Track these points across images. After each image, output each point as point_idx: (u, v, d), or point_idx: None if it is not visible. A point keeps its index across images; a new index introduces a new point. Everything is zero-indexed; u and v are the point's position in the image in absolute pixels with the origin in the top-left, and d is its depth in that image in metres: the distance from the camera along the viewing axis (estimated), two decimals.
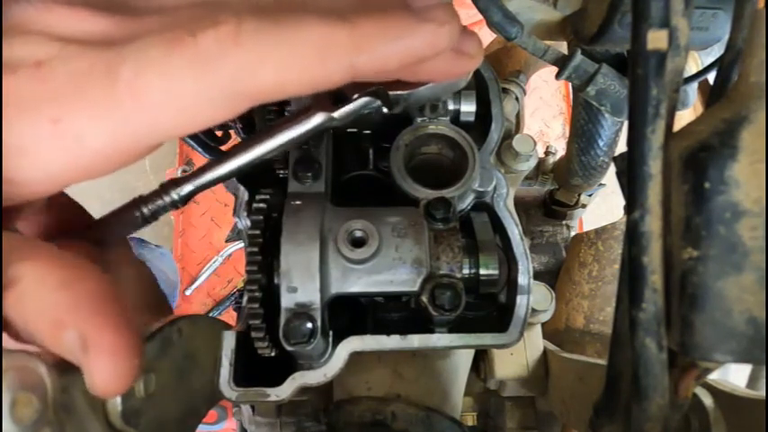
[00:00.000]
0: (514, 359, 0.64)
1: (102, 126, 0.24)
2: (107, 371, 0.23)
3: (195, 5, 0.26)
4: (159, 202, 0.32)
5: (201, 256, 1.99)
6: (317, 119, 0.32)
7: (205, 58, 0.23)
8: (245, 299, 0.41)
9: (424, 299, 0.40)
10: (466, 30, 0.30)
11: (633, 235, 0.25)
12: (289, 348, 0.38)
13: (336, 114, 0.32)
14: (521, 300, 0.44)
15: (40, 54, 0.24)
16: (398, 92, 0.35)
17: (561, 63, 0.53)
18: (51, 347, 0.24)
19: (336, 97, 0.33)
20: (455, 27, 0.27)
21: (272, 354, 0.41)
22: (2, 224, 0.27)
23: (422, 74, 0.31)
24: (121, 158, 0.26)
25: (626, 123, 0.28)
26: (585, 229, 0.96)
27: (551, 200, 1.03)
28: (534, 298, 0.57)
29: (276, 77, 0.24)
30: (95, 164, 0.25)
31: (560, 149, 1.04)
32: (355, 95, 0.32)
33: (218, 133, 0.75)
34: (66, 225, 0.32)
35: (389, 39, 0.25)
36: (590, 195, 1.02)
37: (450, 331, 0.44)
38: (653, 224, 0.25)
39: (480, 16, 0.48)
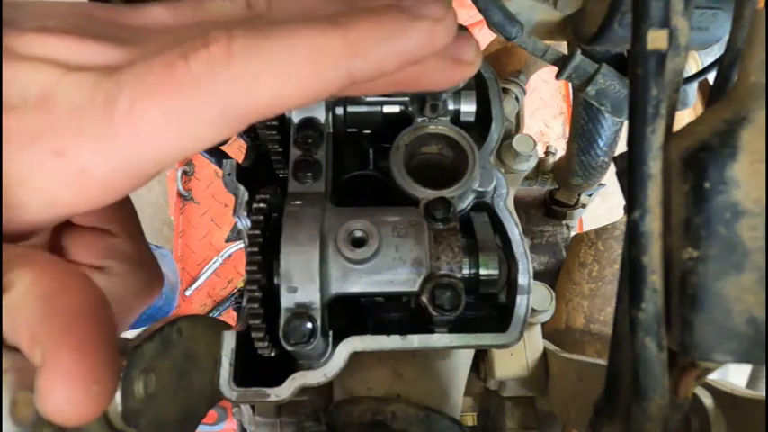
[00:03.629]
0: (514, 359, 0.64)
1: (103, 157, 0.24)
2: (58, 395, 0.21)
3: (189, 25, 0.26)
4: None
5: (201, 257, 2.00)
6: None
7: (198, 81, 0.23)
8: (245, 299, 0.40)
9: (424, 299, 0.40)
10: (463, 34, 0.29)
11: (633, 235, 0.25)
12: (289, 348, 0.38)
13: None
14: (521, 300, 0.44)
15: (44, 83, 0.24)
16: None
17: (561, 63, 0.53)
18: (30, 360, 0.22)
19: None
20: (451, 22, 0.26)
21: (272, 354, 0.41)
22: (2, 231, 0.27)
23: (420, 85, 0.30)
24: (124, 186, 0.26)
25: (626, 123, 0.28)
26: (585, 229, 0.96)
27: (551, 200, 1.03)
28: (534, 298, 0.57)
29: (272, 93, 0.24)
30: (99, 193, 0.25)
31: (560, 149, 1.04)
32: None
33: None
34: None
35: (384, 40, 0.25)
36: (590, 195, 1.02)
37: (451, 331, 0.44)
38: (653, 224, 0.25)
39: (480, 16, 0.48)
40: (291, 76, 0.24)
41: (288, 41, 0.24)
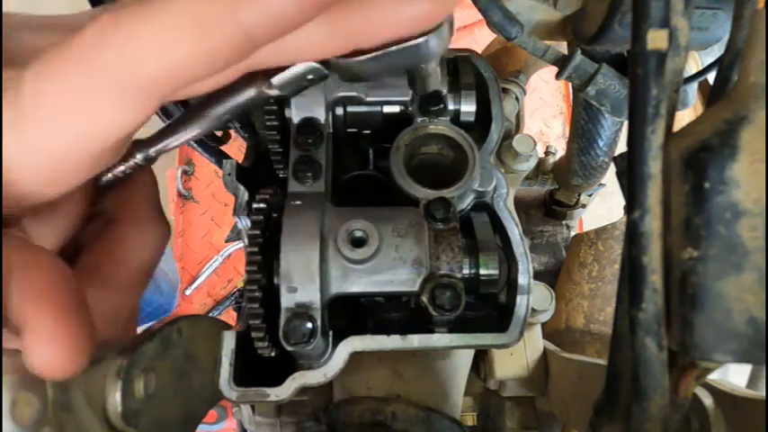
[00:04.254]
0: (514, 359, 0.64)
1: (25, 148, 0.24)
2: (41, 353, 0.24)
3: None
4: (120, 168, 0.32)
5: (201, 256, 2.00)
6: (251, 90, 0.30)
7: (87, 52, 0.22)
8: (245, 299, 0.40)
9: (424, 299, 0.40)
10: None
11: (633, 235, 0.25)
12: (289, 348, 0.38)
13: (275, 81, 0.29)
14: (521, 300, 0.44)
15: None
16: (348, 60, 0.30)
17: (561, 63, 0.53)
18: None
19: (276, 69, 0.30)
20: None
21: (272, 354, 0.41)
22: (2, 224, 0.27)
23: (372, 36, 0.27)
24: (70, 171, 0.25)
25: (626, 123, 0.28)
26: (585, 229, 0.96)
27: (551, 200, 1.03)
28: (534, 298, 0.57)
29: (160, 60, 0.22)
30: (45, 183, 0.25)
31: (560, 149, 1.04)
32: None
33: (218, 133, 0.75)
34: None
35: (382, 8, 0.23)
36: (590, 195, 1.03)
37: (451, 331, 0.44)
38: (653, 224, 0.25)
39: (480, 16, 0.48)
40: (175, 39, 0.22)
41: (168, 1, 0.22)
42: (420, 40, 0.30)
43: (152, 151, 0.32)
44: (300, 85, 0.31)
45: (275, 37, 0.23)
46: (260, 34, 0.22)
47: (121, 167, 0.32)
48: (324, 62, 0.30)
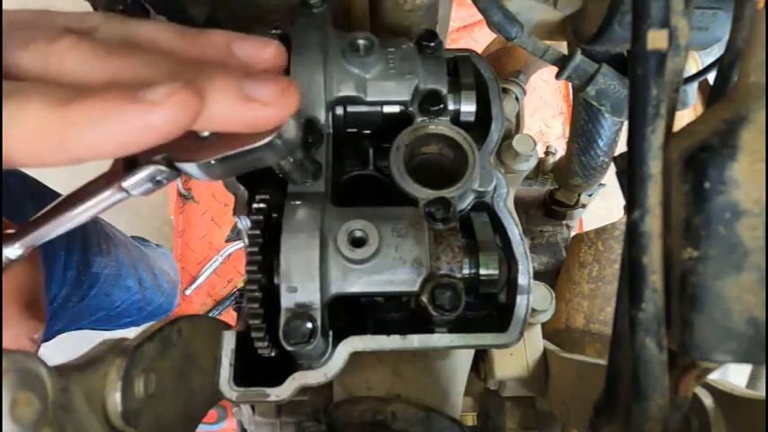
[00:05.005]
0: (514, 359, 0.64)
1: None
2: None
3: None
4: None
5: (201, 256, 1.99)
6: (108, 196, 0.32)
7: None
8: (245, 299, 0.40)
9: (424, 299, 0.40)
10: (272, 77, 0.30)
11: (633, 235, 0.25)
12: (289, 348, 0.38)
13: (124, 183, 0.31)
14: (521, 300, 0.44)
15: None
16: (187, 163, 0.32)
17: (561, 63, 0.53)
18: None
19: (132, 162, 0.31)
20: (174, 106, 0.26)
21: (272, 354, 0.41)
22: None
23: (207, 123, 0.30)
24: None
25: (626, 123, 0.28)
26: (585, 229, 0.96)
27: (551, 200, 1.03)
28: (534, 298, 0.57)
29: (7, 149, 0.26)
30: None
31: (560, 149, 1.04)
32: (145, 162, 0.31)
33: None
34: None
35: (96, 122, 0.26)
36: (590, 195, 1.02)
37: (451, 331, 0.44)
38: (653, 224, 0.25)
39: (480, 16, 0.48)
40: (14, 140, 0.26)
41: (16, 108, 0.26)
42: (259, 143, 0.32)
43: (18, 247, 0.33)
44: (153, 186, 0.32)
45: (96, 157, 0.27)
46: (82, 155, 0.27)
47: None
48: (170, 164, 0.31)
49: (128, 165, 0.31)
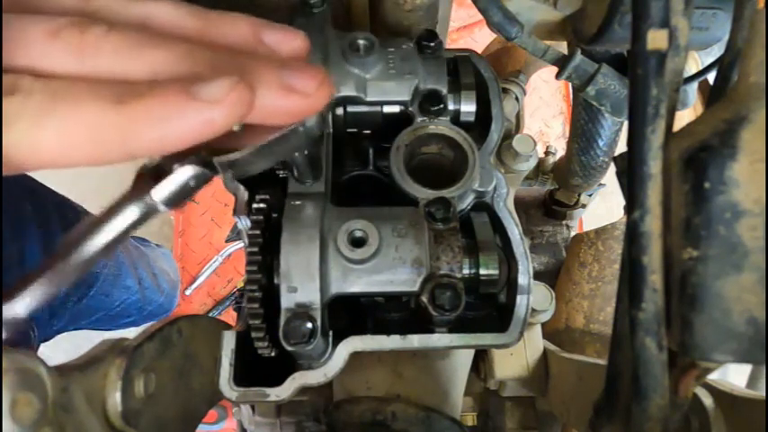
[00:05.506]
0: (514, 359, 0.64)
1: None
2: None
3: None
4: None
5: (201, 256, 2.00)
6: (133, 212, 0.28)
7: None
8: (245, 299, 0.40)
9: (424, 299, 0.40)
10: (308, 68, 0.30)
11: (633, 235, 0.25)
12: (289, 348, 0.38)
13: (156, 198, 0.28)
14: (521, 300, 0.44)
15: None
16: (228, 156, 0.31)
17: (561, 63, 0.53)
18: None
19: (157, 172, 0.29)
20: (233, 103, 0.26)
21: (272, 354, 0.41)
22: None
23: (253, 115, 0.29)
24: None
25: (626, 123, 0.28)
26: (585, 229, 0.96)
27: (551, 200, 1.03)
28: (534, 298, 0.57)
29: (54, 150, 0.26)
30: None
31: (560, 149, 1.04)
32: (175, 166, 0.29)
33: None
34: None
35: (157, 120, 0.26)
36: (590, 195, 1.02)
37: (451, 331, 0.44)
38: (653, 224, 0.25)
39: (480, 16, 0.48)
40: (71, 138, 0.26)
41: (73, 108, 0.25)
42: (293, 127, 0.31)
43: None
44: (186, 192, 0.29)
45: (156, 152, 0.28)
46: (142, 152, 0.27)
47: None
48: (208, 164, 0.30)
49: (155, 175, 0.29)
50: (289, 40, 0.33)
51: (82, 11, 0.30)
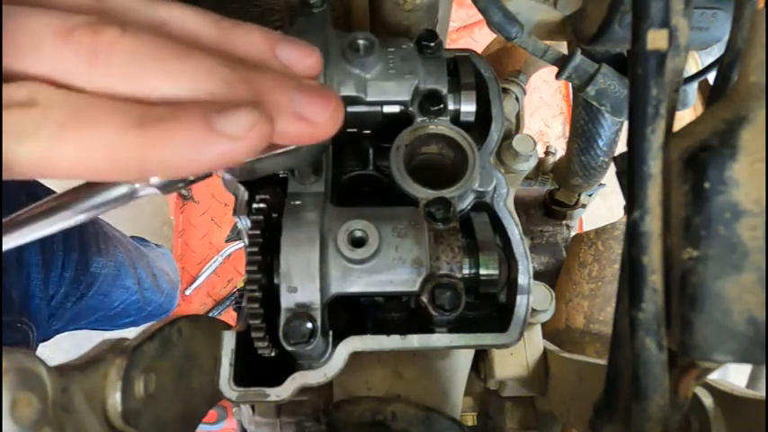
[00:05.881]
0: (514, 359, 0.64)
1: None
2: None
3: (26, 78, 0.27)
4: None
5: (201, 256, 2.00)
6: (124, 187, 0.29)
7: (13, 133, 0.25)
8: (245, 299, 0.40)
9: (424, 299, 0.40)
10: (324, 93, 0.29)
11: (633, 235, 0.25)
12: (289, 348, 0.38)
13: (154, 181, 0.29)
14: (521, 300, 0.44)
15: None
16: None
17: (561, 63, 0.53)
18: None
19: None
20: (253, 139, 0.26)
21: (272, 354, 0.41)
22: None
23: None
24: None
25: (626, 123, 0.28)
26: (585, 229, 0.96)
27: (551, 200, 1.03)
28: (534, 298, 0.57)
29: (70, 162, 0.25)
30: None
31: (560, 149, 1.04)
32: None
33: None
34: None
35: (176, 148, 0.26)
36: (590, 195, 1.02)
37: (451, 331, 0.44)
38: (653, 224, 0.25)
39: (480, 16, 0.48)
40: (88, 155, 0.25)
41: (94, 127, 0.25)
42: (293, 147, 0.32)
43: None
44: (181, 180, 0.30)
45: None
46: (154, 175, 0.27)
47: None
48: None
49: None
50: (303, 58, 0.32)
51: (95, 9, 0.29)
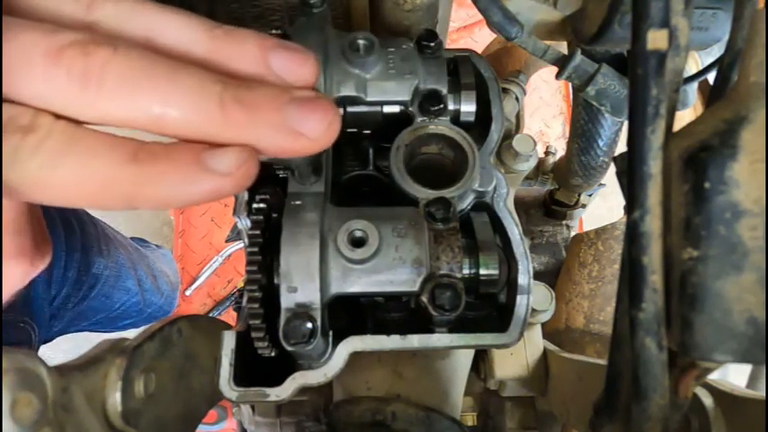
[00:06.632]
0: (514, 359, 0.64)
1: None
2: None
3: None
4: None
5: (201, 256, 2.00)
6: None
7: (9, 156, 0.25)
8: (245, 299, 0.40)
9: (424, 299, 0.40)
10: (319, 105, 0.29)
11: (633, 235, 0.25)
12: (289, 348, 0.38)
13: None
14: (521, 300, 0.44)
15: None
16: None
17: (561, 63, 0.53)
18: None
19: None
20: (243, 174, 0.27)
21: (272, 354, 0.41)
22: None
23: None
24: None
25: (626, 123, 0.28)
26: (585, 229, 0.96)
27: (551, 200, 1.03)
28: (534, 298, 0.57)
29: (62, 192, 0.26)
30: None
31: (560, 149, 1.04)
32: None
33: None
34: None
35: (168, 184, 0.26)
36: (590, 195, 1.03)
37: (451, 331, 0.44)
38: (653, 224, 0.25)
39: (480, 16, 0.48)
40: (80, 184, 0.26)
41: (89, 158, 0.26)
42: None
43: None
44: None
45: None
46: (143, 207, 0.28)
47: None
48: None
49: None
50: (297, 66, 0.31)
51: (82, 21, 0.28)
